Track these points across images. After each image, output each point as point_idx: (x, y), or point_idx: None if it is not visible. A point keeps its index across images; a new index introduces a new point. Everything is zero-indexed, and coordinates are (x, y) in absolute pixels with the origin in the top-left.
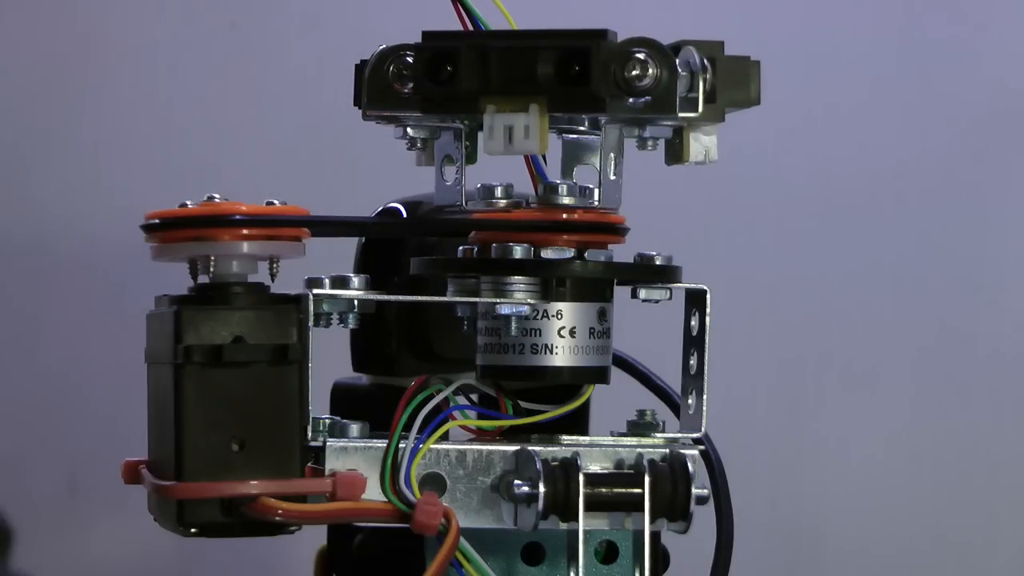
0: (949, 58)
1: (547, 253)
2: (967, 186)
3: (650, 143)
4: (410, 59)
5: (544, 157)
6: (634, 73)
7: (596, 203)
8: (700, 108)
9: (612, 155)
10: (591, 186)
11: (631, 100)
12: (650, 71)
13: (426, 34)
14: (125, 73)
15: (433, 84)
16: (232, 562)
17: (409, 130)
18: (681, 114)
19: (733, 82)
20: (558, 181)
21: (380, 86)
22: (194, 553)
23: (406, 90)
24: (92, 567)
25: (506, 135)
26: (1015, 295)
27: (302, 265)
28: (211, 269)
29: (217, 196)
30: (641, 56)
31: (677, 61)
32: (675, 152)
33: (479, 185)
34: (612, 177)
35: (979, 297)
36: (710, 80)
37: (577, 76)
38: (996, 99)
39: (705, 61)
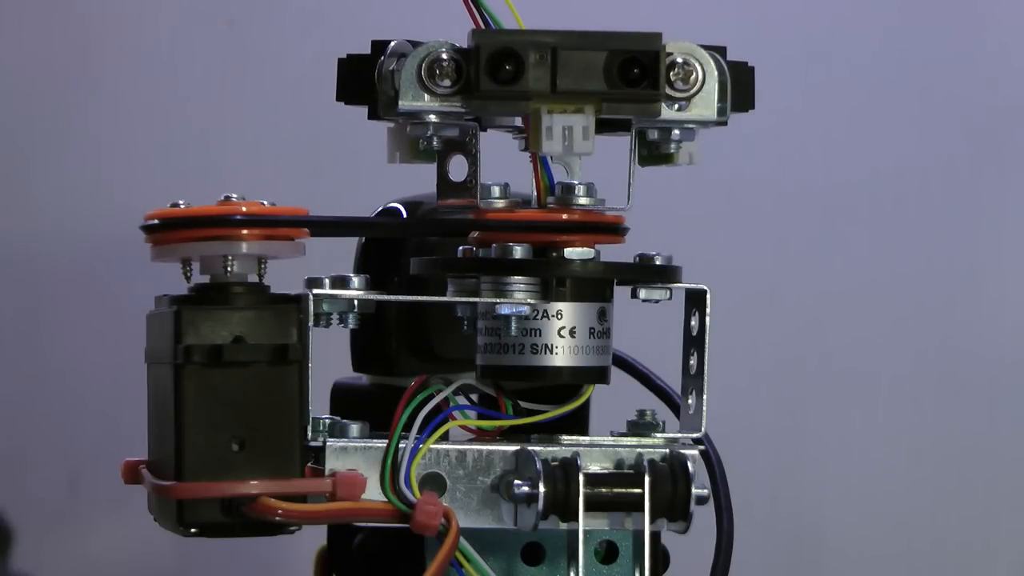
0: (949, 58)
1: (570, 254)
2: (968, 187)
3: (673, 146)
4: (446, 56)
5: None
6: (680, 76)
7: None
8: (728, 113)
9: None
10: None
11: (676, 103)
12: (693, 76)
13: (475, 32)
14: (124, 72)
15: (495, 82)
16: (232, 562)
17: (432, 129)
18: (718, 118)
19: (734, 87)
20: (575, 182)
21: (411, 83)
22: (194, 553)
23: (441, 88)
24: (92, 567)
25: (564, 136)
26: (1015, 296)
27: (302, 265)
28: (228, 269)
29: (234, 196)
30: (682, 60)
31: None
32: (657, 154)
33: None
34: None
35: (979, 297)
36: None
37: (638, 78)
38: (997, 100)
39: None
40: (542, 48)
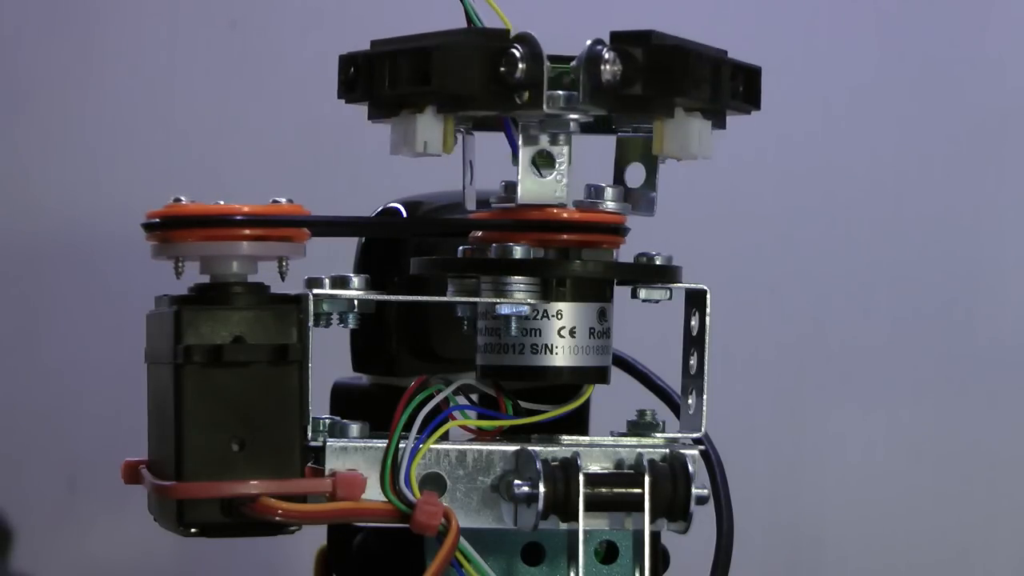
0: (949, 58)
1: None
2: (967, 186)
3: (559, 140)
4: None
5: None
6: (586, 74)
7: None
8: (589, 98)
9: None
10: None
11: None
12: (609, 70)
13: (374, 43)
14: (125, 72)
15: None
16: (232, 562)
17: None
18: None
19: (736, 87)
20: (603, 184)
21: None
22: (194, 553)
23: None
24: (92, 567)
25: (420, 141)
26: (1015, 295)
27: (302, 265)
28: (215, 269)
29: (184, 198)
30: (610, 54)
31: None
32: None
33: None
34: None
35: (979, 297)
36: (613, 70)
37: (504, 77)
38: (996, 99)
39: (606, 51)
40: (411, 52)
